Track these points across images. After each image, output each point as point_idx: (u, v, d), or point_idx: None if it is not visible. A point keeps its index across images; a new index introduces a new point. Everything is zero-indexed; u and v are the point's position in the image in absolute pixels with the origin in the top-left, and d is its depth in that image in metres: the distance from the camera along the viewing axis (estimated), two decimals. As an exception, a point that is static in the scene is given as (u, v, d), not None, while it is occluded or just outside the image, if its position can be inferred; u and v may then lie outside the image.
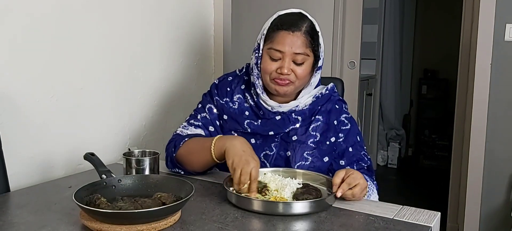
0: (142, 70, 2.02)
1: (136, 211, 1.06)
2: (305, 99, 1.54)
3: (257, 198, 1.24)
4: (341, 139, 1.55)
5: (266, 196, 1.27)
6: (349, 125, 1.56)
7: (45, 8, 1.60)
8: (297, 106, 1.52)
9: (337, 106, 1.57)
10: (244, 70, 1.62)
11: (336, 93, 1.61)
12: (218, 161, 1.41)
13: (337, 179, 1.27)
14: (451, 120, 3.26)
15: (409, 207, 1.26)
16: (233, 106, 1.57)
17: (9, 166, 1.45)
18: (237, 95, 1.58)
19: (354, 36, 3.57)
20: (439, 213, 1.21)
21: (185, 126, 1.59)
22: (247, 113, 1.55)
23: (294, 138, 1.52)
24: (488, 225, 2.67)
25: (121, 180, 1.25)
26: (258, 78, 1.50)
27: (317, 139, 1.51)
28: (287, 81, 1.45)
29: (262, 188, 1.30)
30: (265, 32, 1.46)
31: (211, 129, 1.58)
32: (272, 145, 1.53)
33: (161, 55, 2.12)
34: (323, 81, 1.59)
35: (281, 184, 1.31)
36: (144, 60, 2.03)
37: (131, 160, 1.41)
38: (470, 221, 2.71)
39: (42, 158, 1.64)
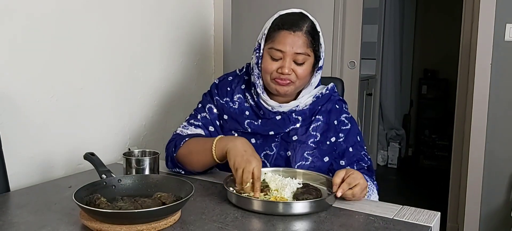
0: (142, 70, 2.02)
1: (136, 211, 1.06)
2: (305, 99, 1.54)
3: (257, 198, 1.24)
4: (341, 139, 1.55)
5: (266, 196, 1.27)
6: (349, 124, 1.56)
7: (45, 8, 1.60)
8: (297, 106, 1.52)
9: (337, 106, 1.57)
10: (244, 70, 1.62)
11: (336, 93, 1.61)
12: (219, 162, 1.41)
13: (337, 178, 1.27)
14: (451, 120, 3.26)
15: (409, 207, 1.26)
16: (233, 106, 1.57)
17: (9, 166, 1.45)
18: (237, 95, 1.58)
19: (354, 36, 3.57)
20: (439, 213, 1.21)
21: (185, 126, 1.59)
22: (247, 113, 1.55)
23: (295, 137, 1.52)
24: (488, 225, 2.67)
25: (121, 180, 1.25)
26: (258, 78, 1.50)
27: (317, 138, 1.51)
28: (288, 81, 1.45)
29: (264, 188, 1.30)
30: (266, 31, 1.47)
31: (211, 128, 1.58)
32: (272, 144, 1.53)
33: (161, 55, 2.12)
34: (323, 81, 1.59)
35: (281, 184, 1.31)
36: (144, 60, 2.03)
37: (131, 159, 1.41)
38: (470, 221, 2.71)
39: (42, 158, 1.64)
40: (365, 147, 1.59)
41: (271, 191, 1.30)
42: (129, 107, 1.98)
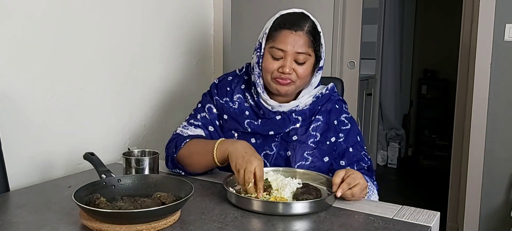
0: (142, 70, 2.02)
1: (136, 210, 1.06)
2: (305, 99, 1.54)
3: (257, 198, 1.24)
4: (341, 139, 1.55)
5: (267, 196, 1.27)
6: (349, 124, 1.57)
7: (45, 8, 1.60)
8: (297, 106, 1.52)
9: (337, 106, 1.57)
10: (244, 70, 1.62)
11: (336, 93, 1.61)
12: (219, 164, 1.41)
13: (337, 178, 1.27)
14: (450, 120, 3.26)
15: (408, 207, 1.26)
16: (233, 106, 1.57)
17: (9, 166, 1.45)
18: (237, 95, 1.58)
19: (354, 36, 3.57)
20: (439, 213, 1.21)
21: (185, 126, 1.59)
22: (247, 113, 1.55)
23: (294, 137, 1.52)
24: (488, 225, 2.67)
25: (120, 180, 1.25)
26: (259, 77, 1.50)
27: (317, 138, 1.51)
28: (289, 81, 1.45)
29: (267, 187, 1.30)
30: (267, 31, 1.47)
31: (211, 128, 1.58)
32: (272, 144, 1.53)
33: (161, 55, 2.12)
34: (323, 81, 1.59)
35: (281, 184, 1.31)
36: (144, 60, 2.03)
37: (131, 159, 1.41)
38: (470, 220, 2.71)
39: (42, 157, 1.64)
40: (365, 147, 1.59)
41: (271, 191, 1.30)
42: (129, 107, 1.98)
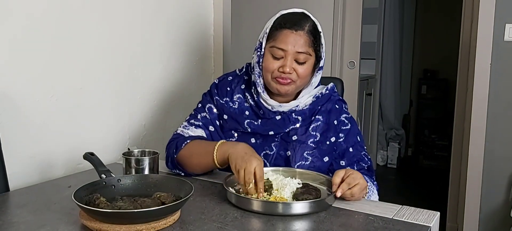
0: (142, 70, 2.02)
1: (136, 210, 1.06)
2: (305, 99, 1.54)
3: (257, 198, 1.24)
4: (341, 139, 1.55)
5: (267, 196, 1.27)
6: (349, 124, 1.57)
7: (45, 8, 1.60)
8: (297, 106, 1.52)
9: (337, 106, 1.57)
10: (244, 70, 1.62)
11: (336, 93, 1.61)
12: (219, 166, 1.41)
13: (337, 178, 1.27)
14: (450, 120, 3.26)
15: (408, 207, 1.26)
16: (233, 106, 1.57)
17: (8, 166, 1.45)
18: (237, 95, 1.58)
19: (354, 36, 3.57)
20: (439, 213, 1.21)
21: (185, 126, 1.59)
22: (247, 113, 1.55)
23: (294, 137, 1.52)
24: (488, 225, 2.68)
25: (120, 180, 1.25)
26: (259, 77, 1.50)
27: (317, 138, 1.52)
28: (289, 80, 1.45)
29: (268, 188, 1.30)
30: (267, 30, 1.47)
31: (211, 128, 1.58)
32: (272, 144, 1.53)
33: (161, 55, 2.12)
34: (322, 81, 1.59)
35: (281, 184, 1.31)
36: (144, 60, 2.03)
37: (131, 159, 1.41)
38: (470, 220, 2.71)
39: (41, 157, 1.64)
40: (365, 147, 1.59)
41: (272, 190, 1.30)
42: (129, 107, 1.98)
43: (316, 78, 1.53)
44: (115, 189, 1.23)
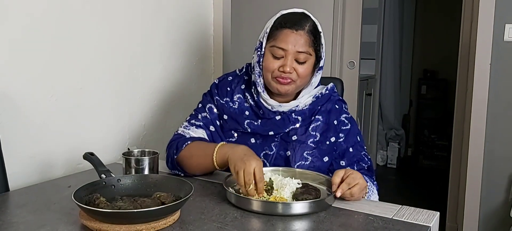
0: (142, 70, 2.02)
1: (135, 210, 1.06)
2: (305, 99, 1.54)
3: (257, 198, 1.24)
4: (341, 139, 1.55)
5: (266, 196, 1.27)
6: (349, 125, 1.57)
7: (45, 8, 1.60)
8: (297, 106, 1.52)
9: (337, 106, 1.57)
10: (244, 70, 1.62)
11: (336, 93, 1.61)
12: (218, 168, 1.41)
13: (336, 178, 1.27)
14: (450, 120, 3.26)
15: (408, 207, 1.26)
16: (233, 106, 1.57)
17: (8, 166, 1.45)
18: (237, 95, 1.58)
19: (354, 36, 3.57)
20: (438, 213, 1.22)
21: (186, 126, 1.59)
22: (247, 113, 1.56)
23: (294, 137, 1.52)
24: (487, 225, 2.68)
25: (120, 180, 1.25)
26: (259, 77, 1.50)
27: (317, 138, 1.52)
28: (289, 80, 1.45)
29: (270, 189, 1.29)
30: (268, 30, 1.47)
31: (212, 128, 1.58)
32: (272, 144, 1.53)
33: (161, 55, 2.12)
34: (322, 81, 1.59)
35: (280, 184, 1.31)
36: (144, 60, 2.03)
37: (131, 159, 1.41)
38: (469, 221, 2.71)
39: (41, 157, 1.64)
40: (365, 147, 1.59)
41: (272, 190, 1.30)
42: (129, 107, 1.98)
43: (316, 78, 1.53)
44: (115, 189, 1.23)
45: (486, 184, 2.65)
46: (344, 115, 1.58)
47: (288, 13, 1.48)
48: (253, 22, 3.28)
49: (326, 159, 1.52)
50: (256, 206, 1.20)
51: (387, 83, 5.07)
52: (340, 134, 1.55)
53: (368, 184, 1.41)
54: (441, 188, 3.74)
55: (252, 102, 1.55)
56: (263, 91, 1.51)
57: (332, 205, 1.26)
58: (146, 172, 1.41)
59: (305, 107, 1.54)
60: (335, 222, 1.16)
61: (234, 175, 1.29)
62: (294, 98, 1.54)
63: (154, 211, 1.07)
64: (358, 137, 1.58)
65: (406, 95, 5.60)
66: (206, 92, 1.65)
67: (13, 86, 1.54)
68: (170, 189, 1.20)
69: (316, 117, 1.53)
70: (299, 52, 1.43)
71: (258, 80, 1.51)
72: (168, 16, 2.13)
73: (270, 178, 1.33)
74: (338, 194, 1.25)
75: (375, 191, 1.48)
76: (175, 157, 1.49)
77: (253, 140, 1.54)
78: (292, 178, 1.35)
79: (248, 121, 1.54)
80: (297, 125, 1.52)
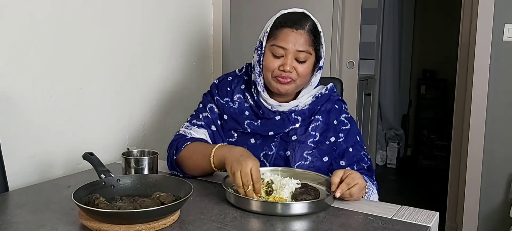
0: (142, 70, 2.02)
1: (135, 210, 1.06)
2: (305, 99, 1.54)
3: (256, 198, 1.24)
4: (341, 139, 1.55)
5: (265, 196, 1.27)
6: (349, 124, 1.57)
7: (45, 8, 1.60)
8: (297, 106, 1.53)
9: (337, 106, 1.57)
10: (243, 70, 1.62)
11: (336, 93, 1.61)
12: (216, 170, 1.41)
13: (335, 178, 1.28)
14: (449, 120, 3.26)
15: (407, 207, 1.26)
16: (233, 106, 1.57)
17: (8, 166, 1.45)
18: (237, 95, 1.58)
19: (353, 36, 3.58)
20: (438, 213, 1.22)
21: (187, 126, 1.58)
22: (247, 113, 1.56)
23: (294, 137, 1.52)
24: (487, 225, 2.68)
25: (120, 180, 1.25)
26: (259, 76, 1.51)
27: (317, 138, 1.52)
28: (289, 80, 1.45)
29: (270, 191, 1.29)
30: (268, 29, 1.47)
31: (213, 128, 1.58)
32: (272, 144, 1.53)
33: (161, 55, 2.12)
34: (322, 81, 1.59)
35: (279, 184, 1.31)
36: (144, 60, 2.03)
37: (130, 159, 1.41)
38: (469, 221, 2.71)
39: (41, 157, 1.64)
40: (365, 147, 1.59)
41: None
42: (129, 107, 1.98)
43: (316, 78, 1.53)
44: (115, 189, 1.23)
45: (485, 184, 2.65)
46: (343, 115, 1.58)
47: (288, 12, 1.48)
48: (253, 22, 3.29)
49: (326, 159, 1.52)
50: (255, 206, 1.20)
51: (386, 83, 5.07)
52: (340, 134, 1.55)
53: (368, 184, 1.41)
54: (440, 188, 3.74)
55: (252, 103, 1.55)
56: (263, 91, 1.51)
57: (332, 205, 1.26)
58: (146, 172, 1.41)
59: (304, 107, 1.54)
60: (334, 222, 1.16)
61: (231, 176, 1.29)
62: (294, 98, 1.54)
63: (154, 211, 1.07)
64: (357, 137, 1.58)
65: (405, 95, 5.60)
66: (206, 92, 1.65)
67: (13, 87, 1.54)
68: (170, 189, 1.20)
69: (316, 116, 1.53)
70: (299, 51, 1.43)
71: (258, 80, 1.51)
72: (168, 16, 2.13)
73: (270, 179, 1.33)
74: (338, 194, 1.25)
75: (375, 191, 1.48)
76: (175, 157, 1.49)
77: (253, 140, 1.54)
78: (291, 178, 1.35)
79: (248, 121, 1.54)
80: (297, 125, 1.52)
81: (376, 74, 4.81)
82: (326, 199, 1.24)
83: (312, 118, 1.53)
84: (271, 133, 1.52)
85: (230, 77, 1.62)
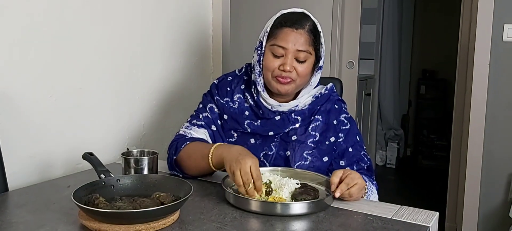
0: (142, 70, 2.02)
1: (135, 210, 1.06)
2: (304, 99, 1.54)
3: (256, 198, 1.24)
4: (341, 139, 1.55)
5: (264, 196, 1.27)
6: (349, 124, 1.57)
7: (45, 8, 1.60)
8: (296, 106, 1.53)
9: (337, 106, 1.58)
10: (243, 70, 1.62)
11: (336, 93, 1.61)
12: (215, 169, 1.41)
13: (335, 178, 1.28)
14: (449, 120, 3.27)
15: (407, 207, 1.26)
16: (233, 106, 1.57)
17: (8, 166, 1.45)
18: (237, 95, 1.58)
19: (353, 36, 3.57)
20: (438, 213, 1.22)
21: (188, 126, 1.58)
22: (247, 113, 1.56)
23: (294, 137, 1.52)
24: (487, 225, 2.68)
25: (119, 180, 1.25)
26: (259, 76, 1.51)
27: (317, 138, 1.52)
28: (289, 80, 1.45)
29: (269, 191, 1.29)
30: (268, 29, 1.47)
31: (214, 128, 1.58)
32: (272, 144, 1.53)
33: (161, 55, 2.12)
34: (321, 81, 1.59)
35: (279, 184, 1.31)
36: (144, 60, 2.03)
37: (130, 159, 1.41)
38: (469, 221, 2.71)
39: (41, 157, 1.64)
40: (364, 147, 1.59)
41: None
42: (129, 107, 1.98)
43: (316, 78, 1.53)
44: (114, 189, 1.23)
45: (485, 184, 2.65)
46: (343, 115, 1.58)
47: (288, 12, 1.48)
48: (252, 22, 3.29)
49: (325, 159, 1.52)
50: (255, 206, 1.20)
51: (386, 83, 5.08)
52: (340, 134, 1.55)
53: (367, 184, 1.41)
54: (440, 188, 3.74)
55: (252, 103, 1.55)
56: (263, 91, 1.51)
57: (331, 205, 1.26)
58: (146, 172, 1.41)
59: (304, 107, 1.54)
60: (334, 222, 1.16)
61: (230, 176, 1.29)
62: (294, 98, 1.54)
63: (154, 211, 1.07)
64: (357, 137, 1.58)
65: (405, 95, 5.60)
66: (206, 92, 1.65)
67: (13, 87, 1.54)
68: (170, 189, 1.20)
69: (316, 116, 1.54)
70: (299, 50, 1.43)
71: (258, 80, 1.51)
72: (168, 16, 2.13)
73: (268, 179, 1.33)
74: (337, 194, 1.25)
75: (375, 191, 1.48)
76: (174, 157, 1.49)
77: (252, 140, 1.54)
78: (290, 178, 1.35)
79: (248, 121, 1.54)
80: (297, 125, 1.53)
81: (375, 74, 4.81)
82: (325, 199, 1.24)
83: (312, 117, 1.54)
84: (271, 133, 1.52)
85: (230, 77, 1.62)
